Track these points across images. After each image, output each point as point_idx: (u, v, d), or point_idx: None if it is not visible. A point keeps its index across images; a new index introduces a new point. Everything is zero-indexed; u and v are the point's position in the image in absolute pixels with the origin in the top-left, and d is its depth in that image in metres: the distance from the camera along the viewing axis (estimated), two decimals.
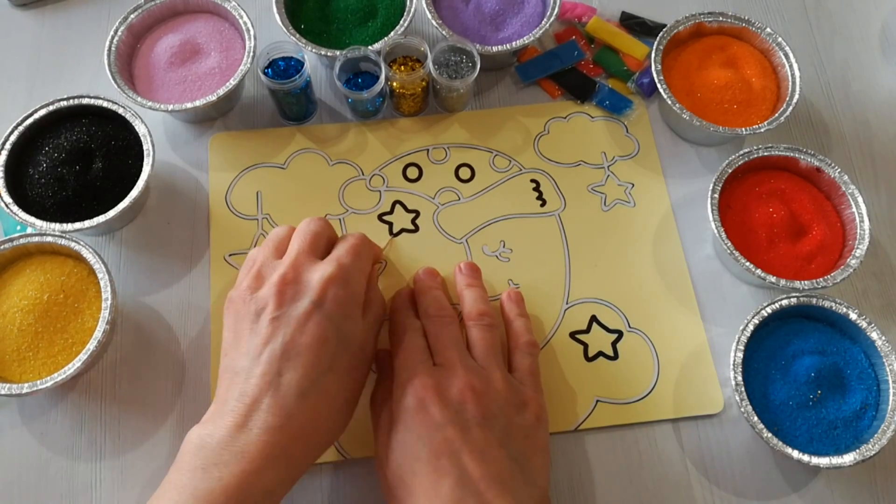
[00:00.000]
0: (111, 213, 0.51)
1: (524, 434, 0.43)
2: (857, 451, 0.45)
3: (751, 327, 0.49)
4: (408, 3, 0.59)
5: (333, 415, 0.41)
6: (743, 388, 0.47)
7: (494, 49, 0.57)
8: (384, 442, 0.43)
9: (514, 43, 0.58)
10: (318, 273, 0.43)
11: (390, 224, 0.56)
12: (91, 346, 0.47)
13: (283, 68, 0.56)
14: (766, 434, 0.46)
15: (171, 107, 0.54)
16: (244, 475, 0.37)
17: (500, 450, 0.41)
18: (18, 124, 0.53)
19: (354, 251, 0.45)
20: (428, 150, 0.59)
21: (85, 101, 0.54)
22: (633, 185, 0.58)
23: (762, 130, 0.55)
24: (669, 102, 0.56)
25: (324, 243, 0.46)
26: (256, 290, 0.43)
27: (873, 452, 0.45)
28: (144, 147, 0.53)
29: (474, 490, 0.39)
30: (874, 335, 0.48)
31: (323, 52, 0.57)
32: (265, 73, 0.56)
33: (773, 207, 0.53)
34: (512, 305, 0.51)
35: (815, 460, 0.45)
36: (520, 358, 0.48)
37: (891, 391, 0.47)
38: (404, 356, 0.45)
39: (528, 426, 0.44)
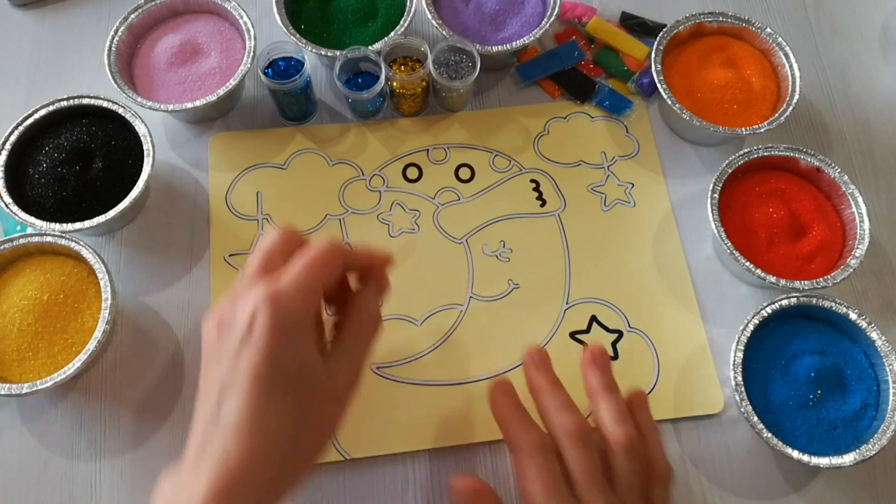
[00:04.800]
0: (111, 213, 0.51)
1: None
2: (857, 451, 0.45)
3: (751, 327, 0.49)
4: (408, 3, 0.59)
5: (282, 447, 0.37)
6: (743, 388, 0.47)
7: (494, 49, 0.57)
8: None
9: (514, 43, 0.58)
10: (251, 301, 0.38)
11: (390, 224, 0.56)
12: (91, 346, 0.47)
13: (283, 68, 0.56)
14: (766, 434, 0.46)
15: (171, 107, 0.54)
16: None
17: None
18: (18, 124, 0.53)
19: (302, 269, 0.39)
20: (428, 150, 0.59)
21: (85, 101, 0.54)
22: (633, 185, 0.58)
23: (762, 130, 0.55)
24: (669, 102, 0.56)
25: (280, 258, 0.41)
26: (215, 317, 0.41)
27: (873, 452, 0.45)
28: (144, 147, 0.53)
29: None
30: (874, 335, 0.48)
31: (323, 52, 0.57)
32: (265, 73, 0.56)
33: (773, 207, 0.53)
34: (629, 411, 0.41)
35: (815, 460, 0.45)
36: (656, 489, 0.40)
37: (891, 391, 0.47)
38: (538, 488, 0.37)
39: None
